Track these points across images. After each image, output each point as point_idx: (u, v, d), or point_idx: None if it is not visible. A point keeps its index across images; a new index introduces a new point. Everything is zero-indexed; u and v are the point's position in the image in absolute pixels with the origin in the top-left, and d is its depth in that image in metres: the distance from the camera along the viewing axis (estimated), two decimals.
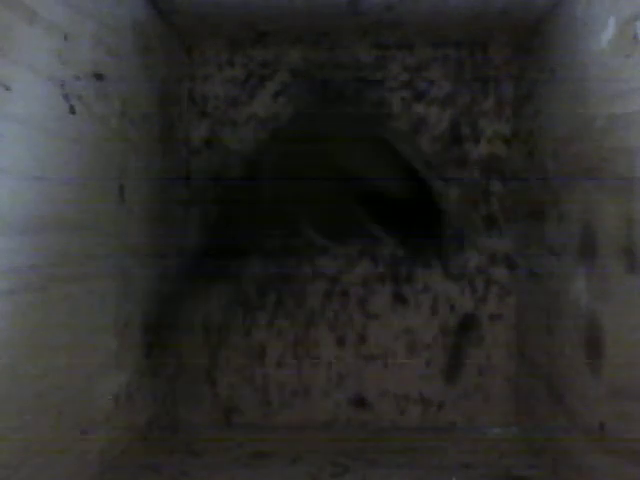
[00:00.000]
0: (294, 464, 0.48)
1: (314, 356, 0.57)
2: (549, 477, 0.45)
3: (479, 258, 0.56)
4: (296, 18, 0.50)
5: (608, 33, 0.37)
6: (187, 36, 0.55)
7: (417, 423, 0.56)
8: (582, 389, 0.40)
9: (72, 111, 0.37)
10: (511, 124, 0.57)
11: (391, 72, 0.57)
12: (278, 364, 0.57)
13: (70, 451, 0.39)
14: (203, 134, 0.58)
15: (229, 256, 0.54)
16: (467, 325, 0.56)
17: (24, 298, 0.33)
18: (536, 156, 0.51)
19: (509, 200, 0.56)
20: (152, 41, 0.49)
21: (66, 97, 0.37)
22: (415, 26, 0.53)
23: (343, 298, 0.57)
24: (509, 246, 0.56)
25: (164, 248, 0.53)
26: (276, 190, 0.52)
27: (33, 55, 0.33)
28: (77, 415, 0.39)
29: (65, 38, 0.36)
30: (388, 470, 0.47)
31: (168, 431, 0.54)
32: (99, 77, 0.40)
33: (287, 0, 0.48)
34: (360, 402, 0.56)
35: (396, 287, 0.56)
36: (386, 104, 0.57)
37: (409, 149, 0.52)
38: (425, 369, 0.56)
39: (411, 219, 0.52)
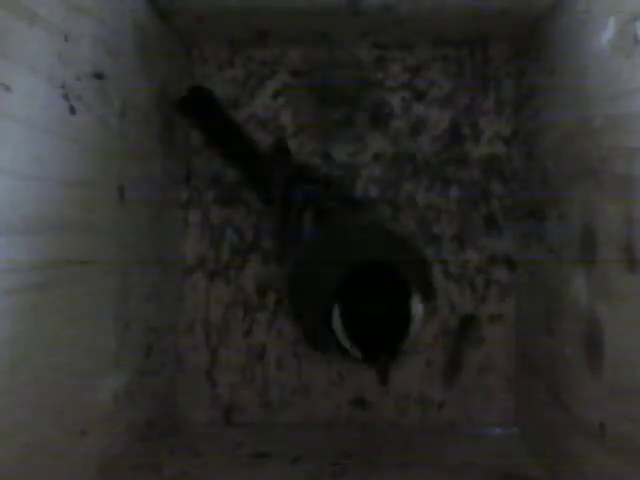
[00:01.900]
0: (294, 464, 0.48)
1: (314, 356, 0.57)
2: (549, 477, 0.45)
3: (479, 258, 0.56)
4: (296, 18, 0.50)
5: (608, 33, 0.37)
6: (187, 36, 0.55)
7: (417, 423, 0.56)
8: (582, 389, 0.40)
9: (72, 111, 0.37)
10: (511, 124, 0.57)
11: (391, 72, 0.57)
12: (278, 364, 0.57)
13: (70, 451, 0.39)
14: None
15: None
16: (467, 325, 0.56)
17: (24, 298, 0.33)
18: (536, 156, 0.51)
19: (509, 200, 0.56)
20: (152, 41, 0.49)
21: (66, 97, 0.37)
22: (415, 26, 0.53)
23: None
24: (509, 246, 0.56)
25: (164, 248, 0.53)
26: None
27: (33, 55, 0.33)
28: (77, 415, 0.39)
29: (65, 38, 0.36)
30: (388, 470, 0.47)
31: (168, 431, 0.54)
32: (99, 77, 0.40)
33: (287, 0, 0.48)
34: (360, 402, 0.56)
35: None
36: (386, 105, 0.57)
37: None
38: (425, 369, 0.56)
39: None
